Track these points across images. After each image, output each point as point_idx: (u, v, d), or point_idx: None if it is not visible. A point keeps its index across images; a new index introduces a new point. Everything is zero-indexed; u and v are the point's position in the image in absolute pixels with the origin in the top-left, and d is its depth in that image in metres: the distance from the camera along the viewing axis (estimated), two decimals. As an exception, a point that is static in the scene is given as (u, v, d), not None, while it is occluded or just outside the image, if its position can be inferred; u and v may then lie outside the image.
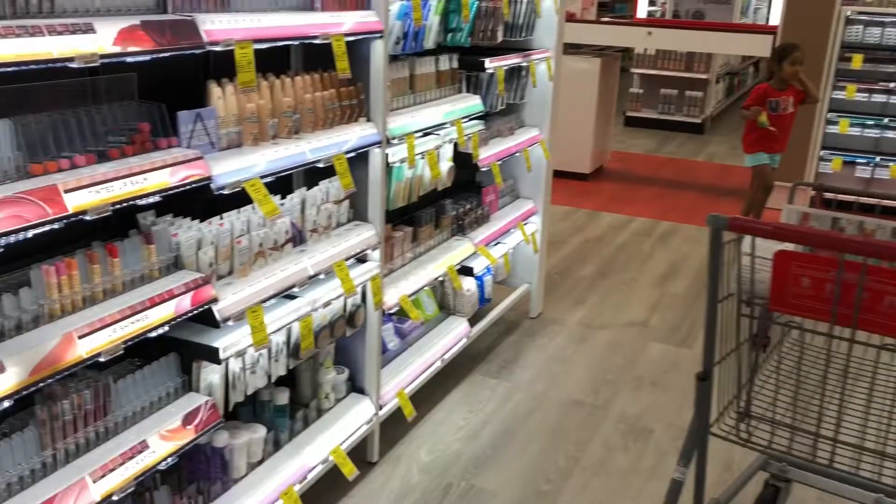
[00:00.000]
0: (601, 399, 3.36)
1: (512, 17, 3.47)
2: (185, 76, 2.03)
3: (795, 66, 5.01)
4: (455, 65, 3.10)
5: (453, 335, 3.29)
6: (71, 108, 1.73)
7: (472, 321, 3.46)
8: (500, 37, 3.33)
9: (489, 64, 3.15)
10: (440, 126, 2.86)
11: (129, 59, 1.62)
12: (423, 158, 2.79)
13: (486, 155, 3.28)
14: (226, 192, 1.89)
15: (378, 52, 2.42)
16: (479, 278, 3.48)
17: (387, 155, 2.56)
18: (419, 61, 2.84)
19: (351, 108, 2.40)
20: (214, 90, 1.96)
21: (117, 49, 1.58)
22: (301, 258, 2.24)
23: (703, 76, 9.35)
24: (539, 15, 3.68)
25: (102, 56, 1.55)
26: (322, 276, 2.30)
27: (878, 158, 5.97)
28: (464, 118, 3.01)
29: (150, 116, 1.82)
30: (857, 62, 5.86)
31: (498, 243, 3.62)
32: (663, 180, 7.27)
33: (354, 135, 2.37)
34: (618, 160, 7.83)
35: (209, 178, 1.84)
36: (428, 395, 3.19)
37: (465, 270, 3.34)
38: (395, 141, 2.57)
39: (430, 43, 2.86)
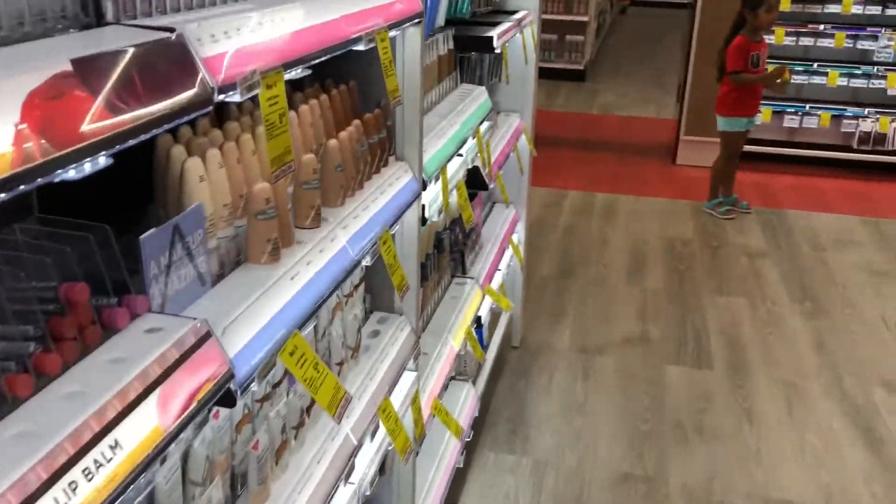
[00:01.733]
0: (651, 466, 2.65)
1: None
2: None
3: (773, 13, 4.43)
4: (451, 45, 2.17)
5: (463, 414, 2.43)
6: None
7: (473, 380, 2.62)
8: None
9: (498, 41, 2.24)
10: (463, 143, 1.95)
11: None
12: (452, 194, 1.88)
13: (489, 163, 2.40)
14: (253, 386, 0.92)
15: (413, 46, 1.47)
16: (480, 330, 2.62)
17: (423, 207, 1.63)
18: (426, 47, 1.90)
19: (380, 144, 1.44)
20: (191, 167, 0.96)
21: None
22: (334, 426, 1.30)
23: (583, 18, 8.76)
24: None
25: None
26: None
27: (807, 107, 5.61)
28: (480, 124, 2.11)
29: (85, 260, 0.80)
30: (785, 2, 5.40)
31: (498, 269, 2.77)
32: (573, 141, 6.62)
33: (392, 189, 1.43)
34: (515, 118, 7.10)
35: (230, 377, 0.86)
36: None
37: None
38: (431, 182, 1.64)
39: (441, 18, 1.91)
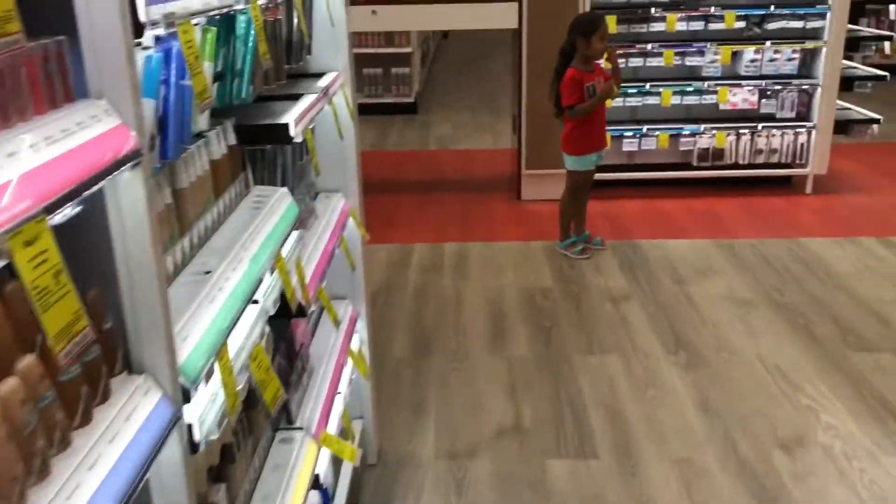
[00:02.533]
0: None
1: (286, 29, 2.03)
2: None
3: (605, 41, 4.16)
4: (231, 140, 1.62)
5: None
6: None
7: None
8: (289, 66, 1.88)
9: (296, 128, 1.70)
10: (257, 285, 1.39)
11: None
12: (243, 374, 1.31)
13: (307, 282, 1.86)
14: None
15: (134, 198, 0.92)
16: (324, 491, 2.06)
17: (190, 429, 1.06)
18: (184, 162, 1.33)
19: (90, 371, 0.87)
20: None
21: None
22: None
23: (406, 49, 8.39)
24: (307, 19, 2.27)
25: None
26: None
27: (644, 128, 5.46)
28: (282, 242, 1.56)
29: None
30: (612, 24, 5.21)
31: (338, 393, 2.22)
32: (412, 184, 6.18)
33: (122, 437, 0.86)
34: (348, 163, 6.57)
35: None
36: None
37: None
38: (201, 383, 1.08)
39: (202, 121, 1.36)
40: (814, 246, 4.61)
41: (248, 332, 1.34)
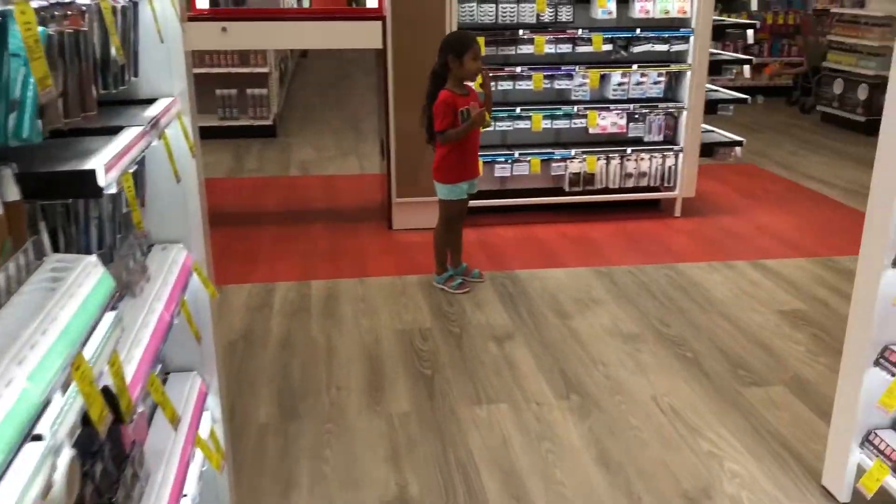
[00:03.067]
0: None
1: (99, 44, 1.58)
2: None
3: (478, 61, 3.90)
4: (12, 194, 1.18)
5: None
6: None
7: None
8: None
9: (108, 175, 1.27)
10: (36, 418, 0.96)
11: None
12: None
13: (132, 372, 1.42)
14: None
15: None
16: None
17: None
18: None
19: None
20: None
21: None
22: None
23: (263, 69, 7.89)
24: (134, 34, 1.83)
25: None
26: None
27: (516, 153, 5.27)
28: (87, 337, 1.13)
29: None
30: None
31: (183, 496, 1.77)
32: (274, 215, 5.70)
33: None
34: (200, 193, 6.01)
35: None
36: None
37: None
38: None
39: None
40: (690, 271, 4.55)
41: (26, 483, 0.91)
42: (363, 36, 4.95)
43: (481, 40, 4.93)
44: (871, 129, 8.21)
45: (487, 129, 5.18)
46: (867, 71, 8.22)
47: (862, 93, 8.27)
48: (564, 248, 4.91)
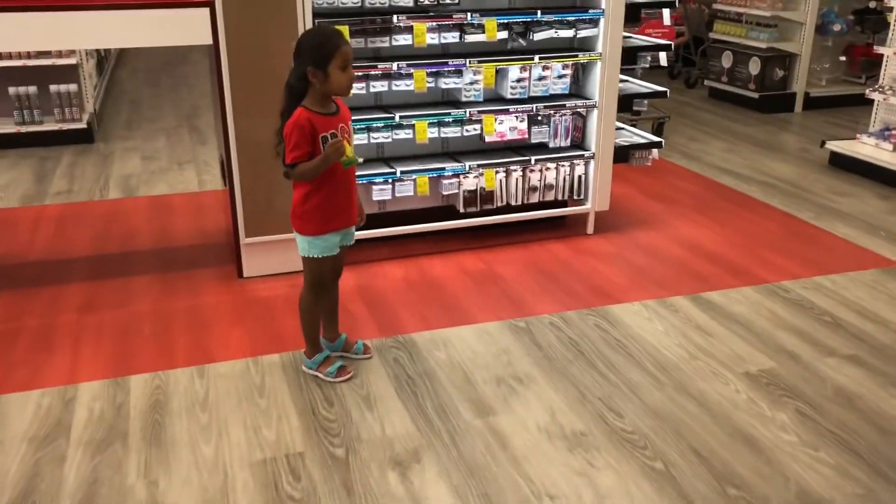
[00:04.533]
0: None
1: None
2: None
3: (349, 71, 2.78)
4: None
5: None
6: None
7: None
8: None
9: None
10: None
11: None
12: None
13: None
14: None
15: None
16: None
17: None
18: None
19: None
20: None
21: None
22: None
23: (70, 60, 6.35)
24: None
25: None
26: None
27: (397, 171, 4.19)
28: None
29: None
30: (344, 40, 3.85)
31: None
32: (81, 262, 4.34)
33: None
34: (-16, 236, 4.55)
35: None
36: None
37: None
38: None
39: None
40: (625, 317, 3.66)
41: None
42: (185, 29, 3.67)
43: (344, 30, 3.79)
44: (765, 105, 7.69)
45: (359, 138, 4.09)
46: (758, 43, 7.67)
47: (753, 67, 7.71)
48: (468, 292, 3.91)
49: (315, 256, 3.00)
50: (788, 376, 3.20)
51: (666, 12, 5.31)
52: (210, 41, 3.68)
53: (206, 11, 3.62)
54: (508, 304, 3.79)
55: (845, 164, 5.88)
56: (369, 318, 3.65)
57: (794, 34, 7.63)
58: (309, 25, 3.75)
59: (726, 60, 8.02)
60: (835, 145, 5.97)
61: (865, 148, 5.82)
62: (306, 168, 2.81)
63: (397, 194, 4.23)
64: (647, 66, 4.41)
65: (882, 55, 5.98)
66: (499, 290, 3.95)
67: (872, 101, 6.04)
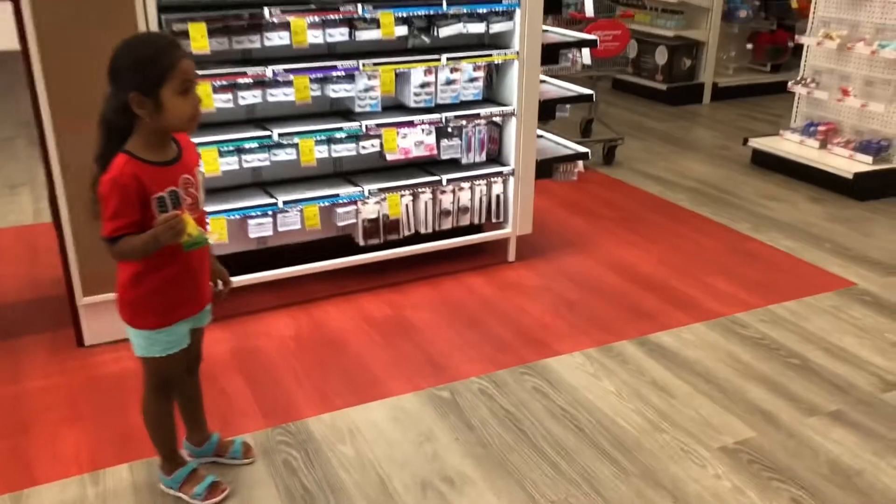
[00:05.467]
0: None
1: None
2: None
3: (192, 97, 1.97)
4: None
5: None
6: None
7: None
8: None
9: None
10: None
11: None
12: None
13: None
14: None
15: None
16: None
17: None
18: None
19: None
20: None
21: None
22: None
23: None
24: None
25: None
26: None
27: (279, 202, 3.39)
28: None
29: None
30: (201, 41, 3.00)
31: None
32: None
33: None
34: None
35: None
36: None
37: None
38: None
39: None
40: (566, 375, 3.03)
41: None
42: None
43: (200, 28, 2.96)
44: (673, 97, 7.27)
45: (228, 163, 3.29)
46: (665, 31, 7.22)
47: (660, 56, 7.27)
48: (375, 350, 3.17)
49: (155, 356, 2.17)
50: (772, 449, 2.64)
51: (588, 3, 4.68)
52: (16, 45, 2.77)
53: (6, 7, 2.70)
54: (426, 365, 3.08)
55: (769, 163, 5.48)
56: (250, 398, 2.85)
57: (700, 21, 7.23)
58: (153, 21, 2.89)
59: (631, 50, 7.56)
60: (757, 142, 5.56)
61: (789, 145, 5.43)
62: (131, 247, 1.96)
63: (280, 228, 3.43)
64: (572, 65, 3.78)
65: (788, 44, 5.59)
66: (412, 344, 3.23)
67: (781, 90, 5.65)
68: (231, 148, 3.23)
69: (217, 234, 2.01)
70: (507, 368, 3.07)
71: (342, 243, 3.66)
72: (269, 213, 3.38)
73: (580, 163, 4.06)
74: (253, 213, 3.34)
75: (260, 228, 3.39)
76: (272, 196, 3.41)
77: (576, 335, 3.32)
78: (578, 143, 4.17)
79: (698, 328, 3.40)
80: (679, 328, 3.40)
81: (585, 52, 4.34)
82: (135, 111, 1.90)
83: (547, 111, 3.85)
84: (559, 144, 4.16)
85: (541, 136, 4.12)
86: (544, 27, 3.78)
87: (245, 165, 3.30)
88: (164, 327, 2.11)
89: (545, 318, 3.47)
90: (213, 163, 3.17)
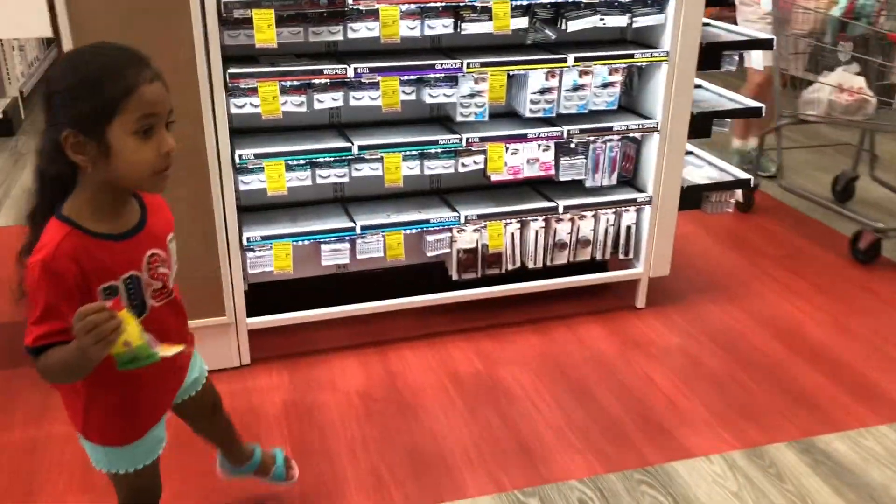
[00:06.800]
0: None
1: None
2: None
3: (162, 136, 1.39)
4: None
5: None
6: None
7: None
8: None
9: None
10: None
11: None
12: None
13: None
14: None
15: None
16: None
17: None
18: None
19: None
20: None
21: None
22: None
23: (-19, 33, 5.02)
24: None
25: None
26: None
27: (357, 227, 2.81)
28: None
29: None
30: (263, 31, 2.45)
31: None
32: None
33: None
34: None
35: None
36: None
37: None
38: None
39: None
40: (697, 489, 2.29)
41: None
42: (14, 18, 2.33)
43: (267, 16, 2.41)
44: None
45: (295, 179, 2.76)
46: None
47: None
48: (455, 422, 2.55)
49: (121, 472, 1.62)
50: None
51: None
52: (49, 33, 2.32)
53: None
54: (515, 453, 2.43)
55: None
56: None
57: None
58: (211, 6, 2.36)
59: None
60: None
61: None
62: (59, 363, 1.35)
63: (360, 255, 2.87)
64: (735, 68, 2.97)
65: None
66: (501, 419, 2.59)
67: None
68: (302, 161, 2.68)
69: (182, 346, 1.35)
70: (620, 472, 2.37)
71: (431, 272, 3.05)
72: (348, 237, 2.82)
73: (738, 192, 3.24)
74: (327, 239, 2.79)
75: (335, 256, 2.84)
76: (351, 219, 2.84)
77: (716, 427, 2.56)
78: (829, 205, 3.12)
79: (888, 434, 2.55)
80: (859, 430, 2.56)
81: (757, 54, 3.46)
82: (70, 157, 1.34)
83: (701, 127, 3.05)
84: (717, 167, 3.34)
85: (690, 153, 3.32)
86: (704, 19, 2.97)
87: (320, 181, 2.75)
88: (124, 445, 1.58)
89: (677, 394, 2.73)
90: (277, 179, 2.63)
